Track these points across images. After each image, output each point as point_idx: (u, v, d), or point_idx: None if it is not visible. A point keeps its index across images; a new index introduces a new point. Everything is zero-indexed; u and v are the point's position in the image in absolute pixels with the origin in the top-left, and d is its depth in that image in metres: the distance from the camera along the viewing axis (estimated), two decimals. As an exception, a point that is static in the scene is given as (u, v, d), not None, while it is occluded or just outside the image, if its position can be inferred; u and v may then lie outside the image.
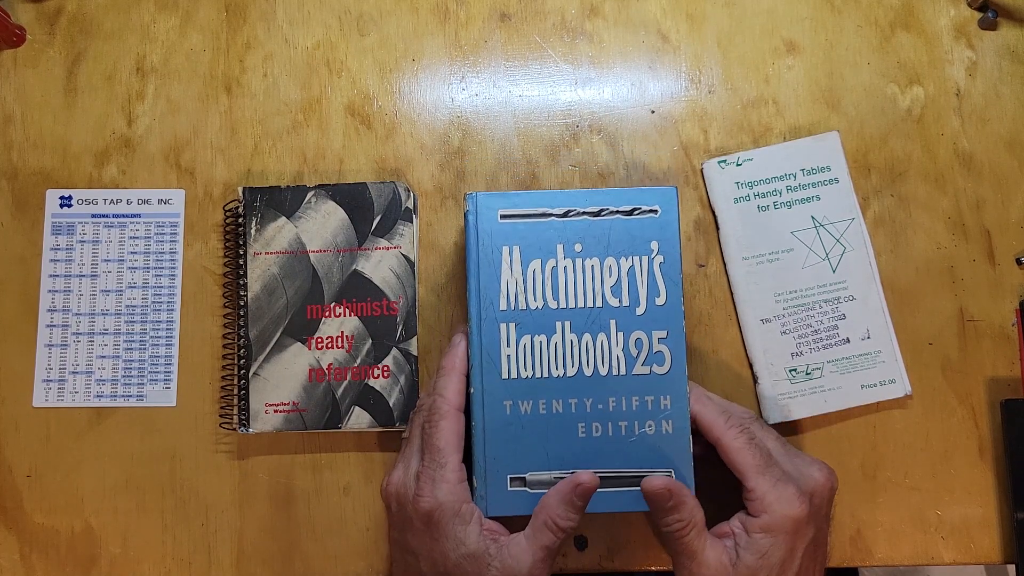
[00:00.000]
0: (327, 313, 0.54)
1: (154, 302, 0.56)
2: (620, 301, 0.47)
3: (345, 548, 0.54)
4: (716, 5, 0.60)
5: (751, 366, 0.55)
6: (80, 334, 0.56)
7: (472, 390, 0.46)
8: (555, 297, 0.47)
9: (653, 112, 0.59)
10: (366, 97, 0.59)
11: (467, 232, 0.48)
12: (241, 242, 0.55)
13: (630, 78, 0.59)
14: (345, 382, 0.53)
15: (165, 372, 0.56)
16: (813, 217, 0.56)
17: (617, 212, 0.47)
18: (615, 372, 0.46)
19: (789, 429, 0.55)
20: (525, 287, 0.47)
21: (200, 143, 0.58)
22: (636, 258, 0.47)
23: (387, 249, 0.55)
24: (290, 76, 0.59)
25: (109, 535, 0.54)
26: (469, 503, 0.45)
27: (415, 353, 0.54)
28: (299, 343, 0.53)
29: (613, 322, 0.47)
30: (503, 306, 0.47)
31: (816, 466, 0.47)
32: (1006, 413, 0.54)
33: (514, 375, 0.46)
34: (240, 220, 0.55)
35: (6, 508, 0.54)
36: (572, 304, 0.47)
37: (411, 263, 0.55)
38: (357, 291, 0.54)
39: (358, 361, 0.53)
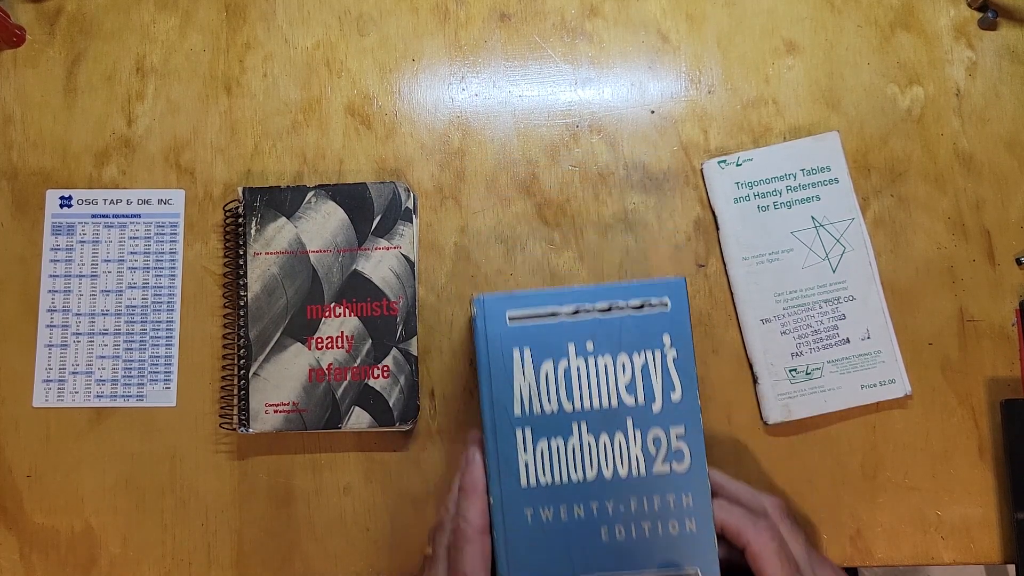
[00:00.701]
0: (327, 313, 0.54)
1: (154, 302, 0.56)
2: (635, 399, 0.46)
3: (345, 548, 0.54)
4: (716, 5, 0.60)
5: (751, 366, 0.55)
6: (80, 334, 0.56)
7: (492, 500, 0.45)
8: (569, 398, 0.46)
9: (653, 112, 0.59)
10: (366, 97, 0.59)
11: (476, 336, 0.46)
12: (241, 242, 0.55)
13: (630, 78, 0.59)
14: (345, 382, 0.53)
15: (165, 372, 0.56)
16: (813, 217, 0.56)
17: (626, 307, 0.46)
18: (635, 473, 0.45)
19: (789, 429, 0.55)
20: (539, 390, 0.46)
21: (200, 143, 0.58)
22: (649, 353, 0.46)
23: (387, 249, 0.55)
24: (290, 76, 0.59)
25: (109, 535, 0.54)
26: None
27: (415, 353, 0.54)
28: (299, 343, 0.53)
29: (630, 420, 0.45)
30: (518, 411, 0.46)
31: (833, 571, 0.47)
32: (1006, 413, 0.54)
33: (533, 482, 0.45)
34: (240, 220, 0.55)
35: (6, 508, 0.54)
36: (587, 405, 0.46)
37: (411, 263, 0.55)
38: (357, 291, 0.54)
39: (358, 361, 0.53)
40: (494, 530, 0.45)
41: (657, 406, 0.46)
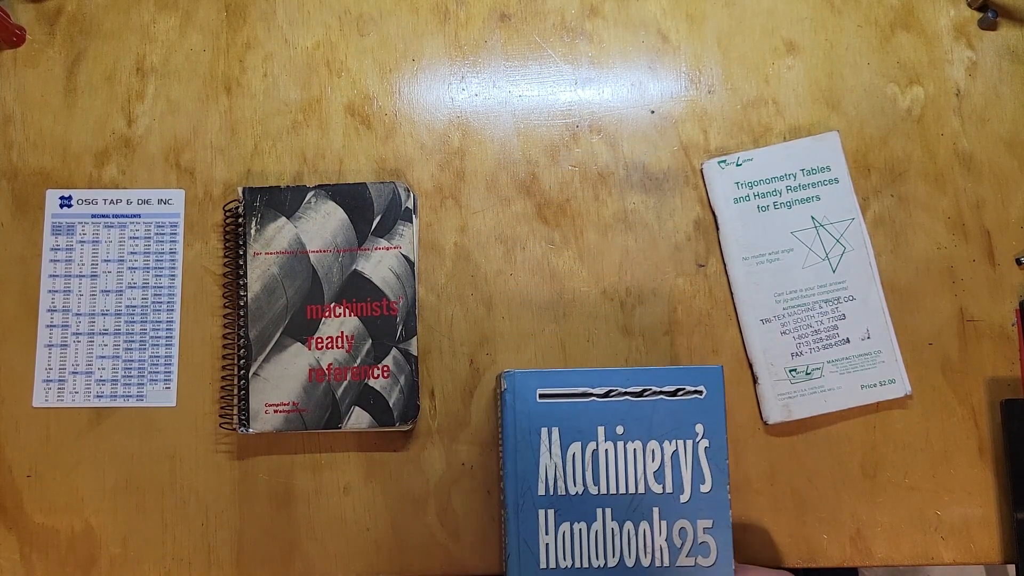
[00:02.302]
0: (327, 313, 0.54)
1: (154, 302, 0.56)
2: (663, 488, 0.45)
3: (345, 548, 0.54)
4: (716, 5, 0.60)
5: (751, 366, 0.55)
6: (80, 334, 0.56)
7: None
8: (595, 482, 0.45)
9: (653, 112, 0.59)
10: (366, 97, 0.59)
11: (503, 412, 0.45)
12: (241, 242, 0.55)
13: (630, 78, 0.59)
14: (345, 382, 0.53)
15: (165, 372, 0.56)
16: (813, 217, 0.56)
17: (660, 393, 0.45)
18: (658, 563, 0.44)
19: (790, 429, 0.55)
20: (565, 471, 0.45)
21: (200, 143, 0.58)
22: (680, 442, 0.45)
23: (387, 249, 0.55)
24: (290, 76, 0.59)
25: (109, 535, 0.54)
26: None
27: (415, 353, 0.54)
28: (299, 343, 0.53)
29: (656, 510, 0.45)
30: (542, 491, 0.45)
31: None
32: (1006, 413, 0.54)
33: (553, 565, 0.44)
34: (240, 220, 0.55)
35: (6, 508, 0.54)
36: (613, 490, 0.45)
37: (411, 263, 0.55)
38: (357, 291, 0.54)
39: (358, 361, 0.53)
40: None
41: (685, 496, 0.45)
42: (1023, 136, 0.58)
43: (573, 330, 0.56)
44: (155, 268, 0.57)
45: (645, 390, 0.46)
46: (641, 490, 0.45)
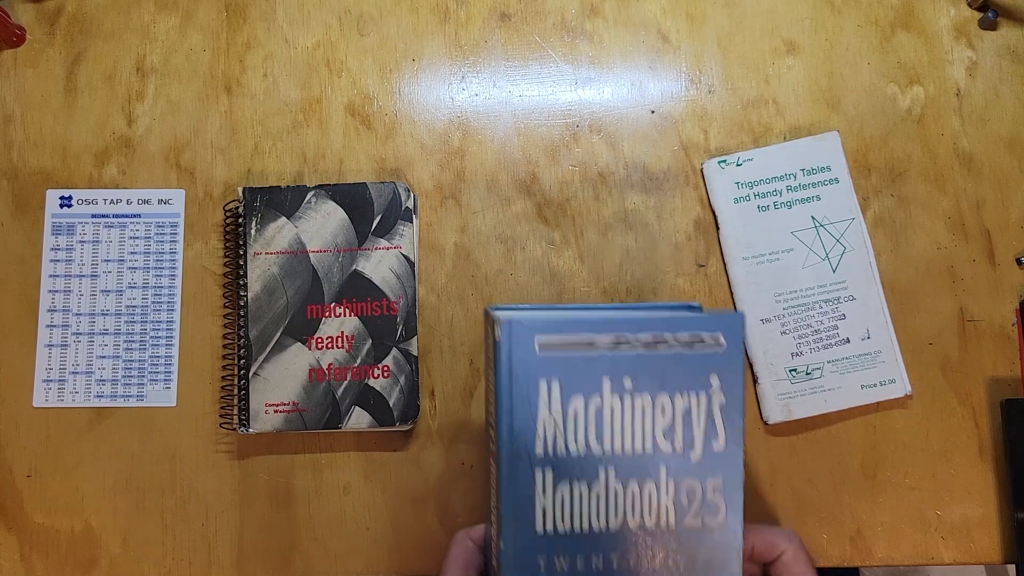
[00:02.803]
0: (327, 313, 0.54)
1: (154, 302, 0.56)
2: (672, 446, 0.41)
3: (345, 548, 0.54)
4: (716, 5, 0.60)
5: (751, 366, 0.55)
6: (80, 334, 0.56)
7: (503, 546, 0.40)
8: (599, 440, 0.41)
9: (653, 112, 0.59)
10: (366, 97, 0.59)
11: (497, 363, 0.41)
12: (241, 242, 0.55)
13: (630, 78, 0.59)
14: (345, 382, 0.53)
15: (165, 372, 0.56)
16: (813, 217, 0.56)
17: (675, 343, 0.41)
18: (662, 524, 0.41)
19: (790, 429, 0.55)
20: (565, 428, 0.41)
21: (200, 143, 0.58)
22: (693, 397, 0.41)
23: (387, 249, 0.55)
24: (290, 76, 0.59)
25: (109, 535, 0.54)
26: None
27: (415, 353, 0.54)
28: (299, 343, 0.53)
29: (663, 469, 0.41)
30: (539, 450, 0.40)
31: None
32: (1006, 413, 0.54)
33: (550, 529, 0.40)
34: (240, 220, 0.55)
35: (6, 508, 0.54)
36: (618, 449, 0.41)
37: (411, 263, 0.55)
38: (357, 291, 0.54)
39: (358, 361, 0.53)
40: None
41: (696, 455, 0.41)
42: (1023, 136, 0.58)
43: (573, 330, 0.56)
44: (155, 268, 0.57)
45: (658, 340, 0.41)
46: (648, 449, 0.41)
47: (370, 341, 0.54)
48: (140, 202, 0.57)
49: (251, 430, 0.52)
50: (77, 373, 0.56)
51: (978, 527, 0.54)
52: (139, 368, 0.56)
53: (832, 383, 0.55)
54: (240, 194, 0.55)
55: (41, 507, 0.55)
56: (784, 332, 0.55)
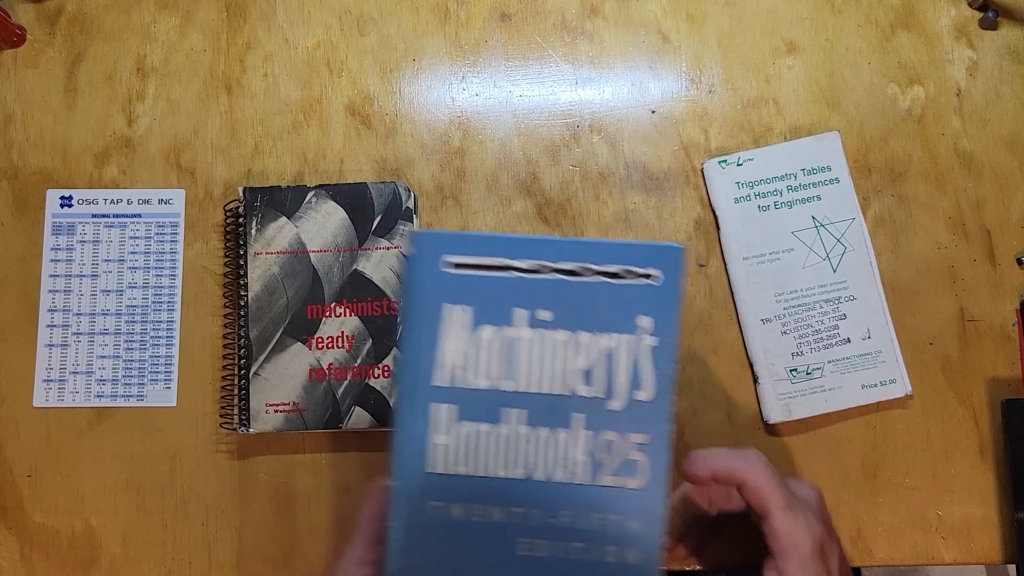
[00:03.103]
0: (327, 313, 0.54)
1: (154, 302, 0.56)
2: (592, 390, 0.36)
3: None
4: (716, 5, 0.60)
5: (752, 366, 0.55)
6: (80, 334, 0.56)
7: (395, 484, 0.37)
8: (510, 376, 0.36)
9: (653, 112, 0.59)
10: (366, 97, 0.59)
11: (405, 282, 0.37)
12: (241, 242, 0.55)
13: (630, 78, 0.59)
14: (345, 382, 0.53)
15: (165, 372, 0.56)
16: (814, 217, 0.56)
17: (600, 273, 0.36)
18: (575, 480, 0.36)
19: (790, 429, 0.55)
20: (471, 360, 0.36)
21: (200, 143, 0.58)
22: (620, 337, 0.36)
23: (387, 249, 0.55)
24: (290, 76, 0.59)
25: (109, 535, 0.54)
26: None
27: None
28: (299, 343, 0.53)
29: (580, 416, 0.36)
30: (439, 381, 0.36)
31: (805, 484, 0.45)
32: (1006, 413, 0.54)
33: (443, 470, 0.36)
34: (240, 220, 0.55)
35: (6, 508, 0.54)
36: (529, 387, 0.36)
37: None
38: (357, 291, 0.54)
39: (358, 361, 0.53)
40: (389, 523, 0.37)
41: (618, 403, 0.36)
42: (1023, 136, 0.58)
43: (573, 330, 0.56)
44: (155, 268, 0.57)
45: (583, 268, 0.36)
46: (564, 391, 0.36)
47: (370, 341, 0.54)
48: (140, 202, 0.57)
49: (251, 430, 0.52)
50: (77, 373, 0.56)
51: (979, 527, 0.54)
52: (139, 368, 0.56)
53: (832, 383, 0.55)
54: (240, 194, 0.55)
55: (41, 507, 0.54)
56: (785, 332, 0.55)
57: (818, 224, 0.56)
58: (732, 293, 0.56)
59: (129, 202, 0.57)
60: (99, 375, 0.56)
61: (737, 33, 0.60)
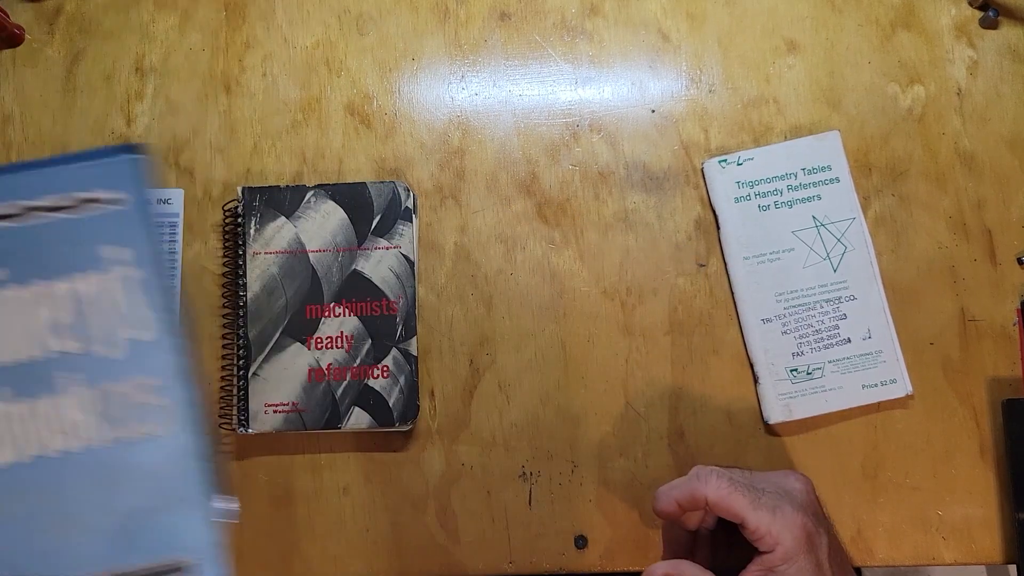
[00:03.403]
0: (326, 313, 0.54)
1: (153, 302, 0.56)
2: (72, 344, 0.31)
3: (344, 549, 0.54)
4: (717, 4, 0.60)
5: (752, 366, 0.55)
6: (79, 334, 0.56)
7: None
8: None
9: (653, 111, 0.59)
10: (366, 96, 0.59)
11: None
12: (240, 242, 0.54)
13: (630, 77, 0.59)
14: (344, 382, 0.53)
15: (164, 372, 0.55)
16: (814, 217, 0.56)
17: (44, 210, 0.31)
18: (81, 446, 0.31)
19: (790, 429, 0.55)
20: None
21: (199, 143, 0.58)
22: (87, 277, 0.31)
23: (387, 249, 0.54)
24: (289, 75, 0.59)
25: (108, 536, 0.54)
26: None
27: (415, 353, 0.54)
28: (298, 343, 0.53)
29: (69, 376, 0.31)
30: None
31: (791, 476, 0.46)
32: (1007, 413, 0.54)
33: None
34: (239, 220, 0.55)
35: (5, 509, 0.54)
36: (2, 359, 0.31)
37: (411, 263, 0.54)
38: (357, 291, 0.54)
39: (358, 361, 0.53)
40: None
41: (111, 351, 0.32)
42: (1024, 135, 0.58)
43: (573, 330, 0.56)
44: (154, 268, 0.56)
45: (24, 210, 0.31)
46: (40, 353, 0.31)
47: (370, 341, 0.53)
48: (139, 202, 0.57)
49: (251, 430, 0.52)
50: (76, 373, 0.56)
51: (979, 527, 0.54)
52: (138, 368, 0.56)
53: (833, 383, 0.54)
54: (239, 194, 0.55)
55: (40, 508, 0.54)
56: (785, 332, 0.55)
57: (818, 224, 0.56)
58: (732, 293, 0.56)
59: (128, 202, 0.57)
60: (98, 375, 0.56)
61: (737, 32, 0.59)
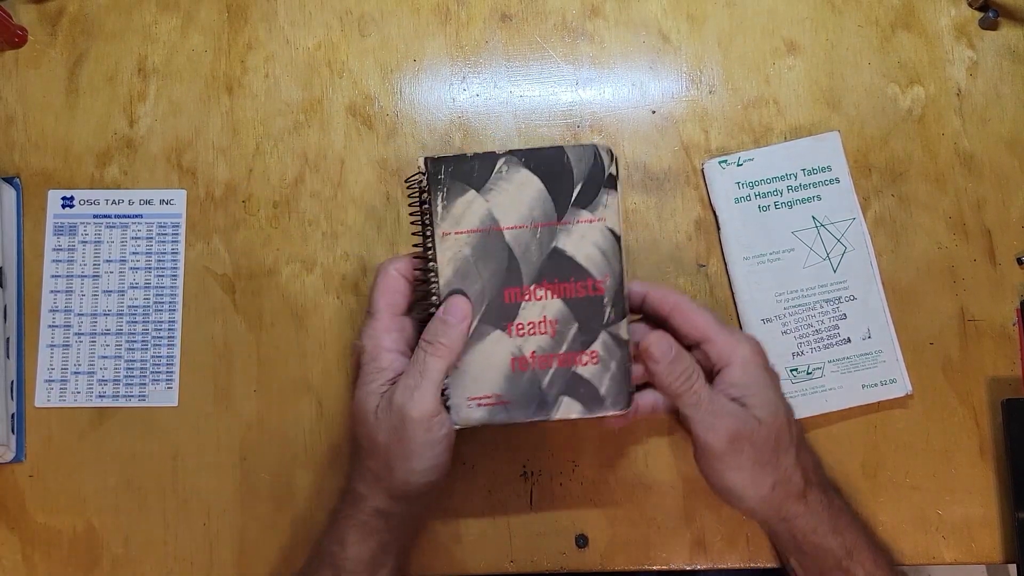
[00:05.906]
0: (527, 296, 0.48)
1: (156, 302, 0.56)
2: None
3: (346, 548, 0.54)
4: (717, 5, 0.60)
5: (752, 366, 0.55)
6: (82, 334, 0.56)
7: None
8: None
9: (654, 112, 0.59)
10: (367, 97, 0.59)
11: None
12: (427, 221, 0.48)
13: (631, 78, 0.59)
14: (551, 370, 0.48)
15: (167, 372, 0.56)
16: (814, 217, 0.56)
17: None
18: None
19: (790, 429, 0.55)
20: None
21: (202, 143, 0.58)
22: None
23: (590, 222, 0.48)
24: (291, 77, 0.59)
25: (111, 535, 0.54)
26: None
27: (626, 337, 0.48)
28: (499, 330, 0.48)
29: None
30: None
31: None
32: (1007, 413, 0.54)
33: None
34: (425, 196, 0.49)
35: (8, 508, 0.55)
36: None
37: (617, 237, 0.48)
38: (559, 270, 0.48)
39: (564, 347, 0.48)
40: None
41: None
42: (1024, 136, 0.58)
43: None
44: (157, 268, 0.57)
45: None
46: None
47: (576, 325, 0.48)
48: (142, 202, 0.57)
49: (455, 425, 0.47)
50: (79, 373, 0.56)
51: (979, 527, 0.54)
52: (141, 368, 0.56)
53: (833, 383, 0.55)
54: (422, 165, 0.49)
55: (43, 507, 0.55)
56: (785, 332, 0.55)
57: (818, 224, 0.56)
58: (732, 293, 0.56)
59: (130, 203, 0.57)
60: (100, 375, 0.56)
61: (737, 33, 0.60)
